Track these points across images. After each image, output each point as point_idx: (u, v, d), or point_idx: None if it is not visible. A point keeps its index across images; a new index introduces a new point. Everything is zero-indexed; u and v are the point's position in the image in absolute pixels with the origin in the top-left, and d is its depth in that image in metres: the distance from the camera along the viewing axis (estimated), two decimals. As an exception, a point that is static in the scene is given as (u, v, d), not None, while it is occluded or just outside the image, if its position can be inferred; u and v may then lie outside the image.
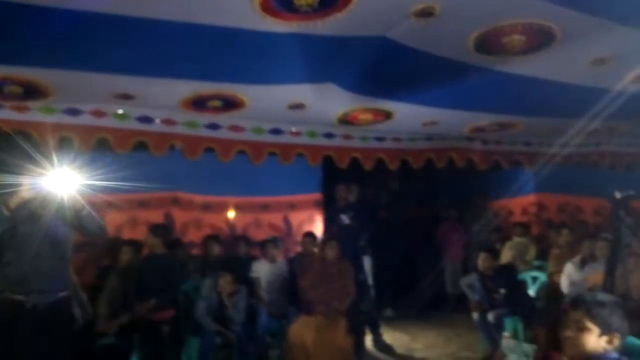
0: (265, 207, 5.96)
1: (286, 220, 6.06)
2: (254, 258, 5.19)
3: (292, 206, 6.08)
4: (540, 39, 2.96)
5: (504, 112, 4.54)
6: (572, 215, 6.89)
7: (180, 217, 5.51)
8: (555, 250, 5.42)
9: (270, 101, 3.98)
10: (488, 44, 2.98)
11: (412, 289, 6.96)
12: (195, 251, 5.42)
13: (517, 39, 2.94)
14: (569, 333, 1.91)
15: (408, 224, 8.53)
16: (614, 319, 1.87)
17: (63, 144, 3.88)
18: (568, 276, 4.80)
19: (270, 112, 4.33)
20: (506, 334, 1.96)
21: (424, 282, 7.20)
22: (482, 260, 4.99)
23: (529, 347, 1.84)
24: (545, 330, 3.22)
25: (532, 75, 3.56)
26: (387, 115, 4.40)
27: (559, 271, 5.03)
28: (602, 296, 1.99)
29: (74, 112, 3.93)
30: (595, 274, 4.13)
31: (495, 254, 5.25)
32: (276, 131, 4.71)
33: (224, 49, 3.01)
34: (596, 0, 2.61)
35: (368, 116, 4.44)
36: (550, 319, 2.81)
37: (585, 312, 1.88)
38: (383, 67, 3.33)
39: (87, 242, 3.97)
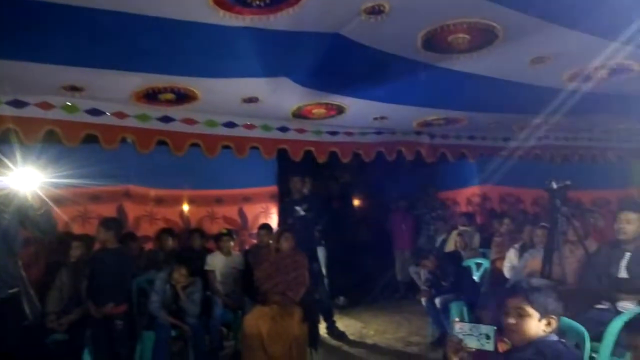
0: (219, 201, 5.93)
1: (241, 213, 6.07)
2: (209, 251, 5.19)
3: (247, 199, 6.09)
4: (483, 38, 3.11)
5: (449, 108, 4.74)
6: (512, 205, 7.24)
7: (133, 210, 5.40)
8: (497, 238, 5.69)
9: (224, 94, 3.99)
10: (435, 42, 3.11)
11: (364, 277, 7.17)
12: (149, 245, 5.35)
13: (462, 37, 3.08)
14: (510, 320, 1.99)
15: (360, 215, 8.75)
16: (550, 302, 1.99)
17: (8, 137, 3.75)
18: (509, 262, 5.07)
19: (224, 105, 4.33)
20: (457, 319, 2.06)
21: (375, 271, 7.42)
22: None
23: (488, 329, 1.93)
24: (490, 315, 3.40)
25: (476, 72, 3.73)
26: (340, 110, 4.51)
27: (501, 257, 5.29)
28: (537, 281, 2.10)
29: (18, 104, 3.80)
30: (534, 260, 4.36)
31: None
32: (230, 124, 4.72)
33: (177, 42, 3.01)
34: (536, 2, 2.75)
35: (321, 110, 4.53)
36: (494, 304, 2.94)
37: (524, 298, 1.98)
38: (336, 63, 3.41)
39: (37, 237, 3.85)
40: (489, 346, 1.87)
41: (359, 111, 4.55)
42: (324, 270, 5.91)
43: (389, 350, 4.92)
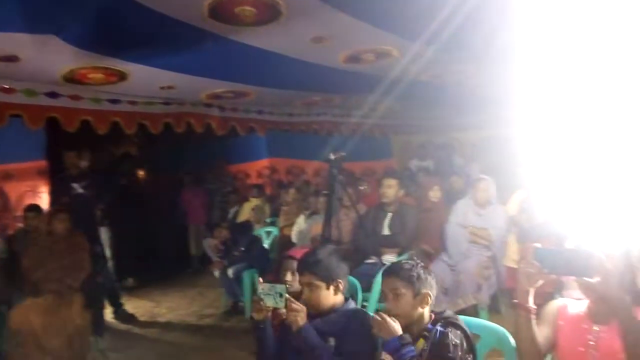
0: (-31, 179, 4.97)
1: (1, 193, 5.19)
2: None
3: (9, 176, 5.22)
4: (269, 13, 3.17)
5: (237, 81, 4.77)
6: (297, 176, 7.78)
7: None
8: (285, 207, 6.07)
9: (-28, 50, 3.30)
10: (222, 11, 3.07)
11: (154, 256, 6.89)
12: None
13: (249, 10, 3.09)
14: (304, 296, 2.12)
15: (149, 191, 8.32)
16: (333, 269, 2.15)
17: None
18: (298, 227, 5.46)
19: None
20: (260, 279, 2.12)
21: (166, 248, 7.20)
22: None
23: (281, 287, 2.02)
24: (273, 277, 3.60)
25: (262, 47, 3.81)
26: (121, 76, 4.14)
27: (289, 225, 5.68)
28: (319, 253, 2.22)
29: None
30: (317, 224, 4.78)
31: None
32: (-20, 87, 3.93)
33: None
34: None
35: (99, 75, 4.09)
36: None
37: (311, 273, 2.12)
38: (116, 24, 3.11)
39: None
40: (282, 304, 1.97)
41: (144, 79, 4.24)
42: (108, 252, 5.50)
43: (182, 326, 4.87)
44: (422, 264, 2.00)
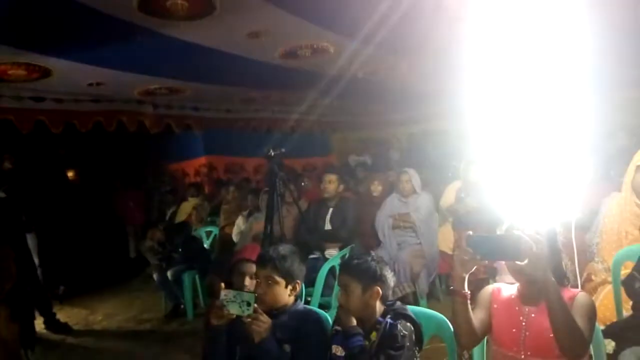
0: None
1: None
2: None
3: None
4: (202, 7, 3.09)
5: (171, 77, 4.64)
6: (237, 174, 7.68)
7: None
8: (225, 205, 5.97)
9: None
10: (152, 5, 2.96)
11: (88, 261, 6.58)
12: None
13: (181, 4, 3.00)
14: (260, 291, 2.03)
15: (81, 194, 7.93)
16: (295, 268, 2.10)
17: None
18: (238, 228, 5.38)
19: None
20: (223, 285, 2.00)
21: (101, 252, 6.90)
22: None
23: (249, 296, 1.92)
24: (220, 279, 3.54)
25: (197, 42, 3.72)
26: (45, 72, 3.91)
27: (230, 224, 5.58)
28: (283, 249, 2.14)
29: None
30: (259, 222, 4.73)
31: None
32: None
33: None
34: None
35: (20, 72, 3.84)
36: (224, 269, 3.00)
37: (273, 268, 2.05)
38: (35, 16, 2.92)
39: None
40: (248, 312, 1.90)
41: (70, 75, 4.02)
42: (36, 260, 5.17)
43: (119, 333, 4.67)
44: (376, 258, 2.01)
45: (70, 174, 8.08)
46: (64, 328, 4.75)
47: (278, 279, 2.05)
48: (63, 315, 4.99)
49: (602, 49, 3.79)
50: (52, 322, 4.77)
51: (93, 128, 4.94)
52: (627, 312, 2.28)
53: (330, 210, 4.39)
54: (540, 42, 2.47)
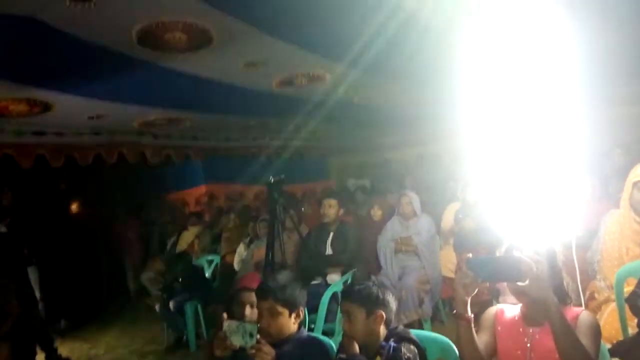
0: None
1: None
2: None
3: None
4: (199, 39, 3.14)
5: (171, 107, 4.68)
6: (237, 202, 7.67)
7: None
8: (225, 233, 5.95)
9: None
10: (151, 38, 3.01)
11: (89, 294, 6.53)
12: None
13: (179, 36, 3.05)
14: (264, 323, 2.00)
15: (81, 227, 7.91)
16: (296, 296, 2.08)
17: None
18: (239, 256, 5.36)
19: None
20: (225, 315, 1.97)
21: (102, 285, 6.85)
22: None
23: (252, 327, 1.90)
24: (222, 308, 3.50)
25: (195, 73, 3.77)
26: (46, 106, 3.95)
27: (231, 252, 5.55)
28: (282, 278, 2.12)
29: None
30: (260, 250, 4.72)
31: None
32: None
33: None
34: (247, 9, 2.87)
35: (22, 107, 3.88)
36: (226, 298, 2.97)
37: (274, 299, 2.02)
38: (36, 52, 2.97)
39: None
40: (251, 343, 1.87)
41: (70, 109, 4.06)
42: (37, 294, 5.14)
43: (122, 366, 4.61)
44: (377, 282, 2.01)
45: (70, 207, 8.08)
46: (66, 363, 4.69)
47: (280, 309, 2.03)
48: (65, 349, 4.93)
49: (596, 66, 3.85)
50: (53, 358, 4.71)
51: (93, 161, 4.96)
52: (632, 329, 2.27)
53: (331, 234, 4.38)
54: (534, 62, 2.52)
